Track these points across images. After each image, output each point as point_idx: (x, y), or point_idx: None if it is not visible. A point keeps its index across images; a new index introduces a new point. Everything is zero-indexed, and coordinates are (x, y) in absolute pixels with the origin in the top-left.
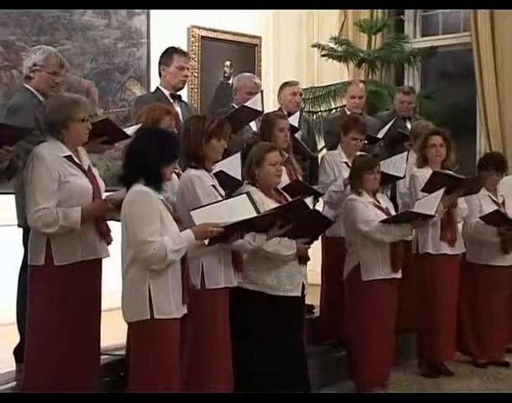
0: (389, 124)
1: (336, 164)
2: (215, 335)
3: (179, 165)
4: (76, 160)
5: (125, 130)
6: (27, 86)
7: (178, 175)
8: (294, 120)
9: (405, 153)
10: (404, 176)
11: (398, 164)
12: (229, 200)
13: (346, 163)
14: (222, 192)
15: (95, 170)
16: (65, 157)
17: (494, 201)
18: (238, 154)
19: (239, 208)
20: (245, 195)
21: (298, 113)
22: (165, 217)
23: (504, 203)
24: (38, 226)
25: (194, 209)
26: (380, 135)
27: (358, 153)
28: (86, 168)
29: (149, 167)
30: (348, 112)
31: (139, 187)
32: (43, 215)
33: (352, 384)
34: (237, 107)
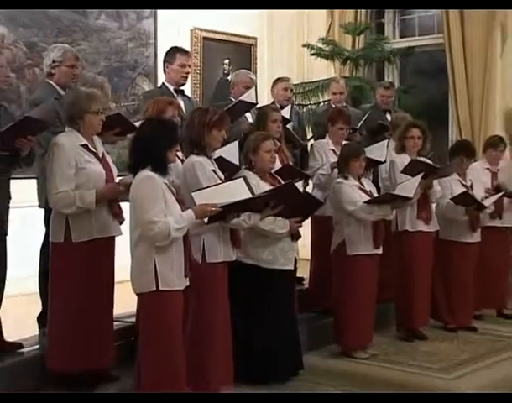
0: (365, 116)
1: (324, 151)
2: (215, 304)
3: (182, 152)
4: (92, 148)
5: (135, 124)
6: (49, 81)
7: (182, 160)
8: (286, 112)
9: (386, 140)
10: (385, 161)
11: (379, 151)
12: (227, 183)
13: (333, 150)
14: (222, 176)
15: (108, 157)
16: (81, 145)
17: (463, 185)
18: (236, 142)
19: (236, 190)
20: (242, 178)
21: (289, 106)
22: (169, 199)
23: (472, 186)
24: (57, 207)
25: (195, 191)
26: (357, 125)
27: (344, 142)
28: (100, 155)
29: (154, 153)
30: (333, 106)
31: (146, 172)
32: (62, 197)
33: (337, 347)
34: (234, 100)
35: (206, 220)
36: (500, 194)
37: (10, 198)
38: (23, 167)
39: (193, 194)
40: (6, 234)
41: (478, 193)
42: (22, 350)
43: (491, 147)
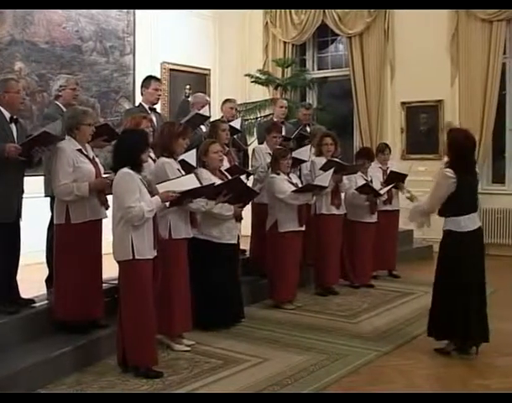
0: (298, 130)
1: (263, 154)
2: (178, 270)
3: (154, 154)
4: (85, 152)
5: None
6: (57, 102)
7: (154, 160)
8: (237, 123)
9: (308, 146)
10: (308, 160)
11: (304, 153)
12: (182, 177)
13: (269, 153)
14: (184, 173)
15: (97, 159)
16: (77, 150)
17: (365, 179)
18: (194, 150)
19: (189, 182)
20: (193, 174)
21: (239, 119)
22: (142, 189)
23: (371, 180)
24: (60, 196)
25: (158, 183)
26: (291, 136)
27: (277, 146)
28: (91, 157)
29: (131, 155)
30: (275, 119)
31: (125, 170)
32: (63, 188)
33: (270, 301)
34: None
35: (167, 204)
36: (391, 186)
37: (23, 192)
38: (34, 168)
39: (157, 185)
40: (20, 219)
41: (376, 186)
42: (34, 305)
43: (380, 152)
